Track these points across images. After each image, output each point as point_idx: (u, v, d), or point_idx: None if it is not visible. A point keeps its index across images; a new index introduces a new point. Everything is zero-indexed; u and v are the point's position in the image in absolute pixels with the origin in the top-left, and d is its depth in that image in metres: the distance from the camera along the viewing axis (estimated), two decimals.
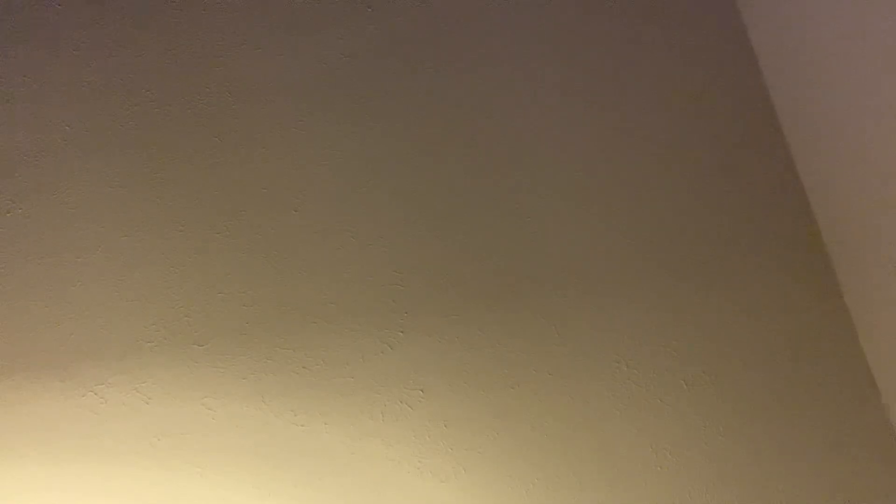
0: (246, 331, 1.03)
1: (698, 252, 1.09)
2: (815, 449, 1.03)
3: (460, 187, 1.11)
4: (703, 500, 1.01)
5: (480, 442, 1.01)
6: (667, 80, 1.17)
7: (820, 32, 1.04)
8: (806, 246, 1.10)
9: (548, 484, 1.00)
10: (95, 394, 1.00)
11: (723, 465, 1.02)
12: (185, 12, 1.17)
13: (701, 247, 1.10)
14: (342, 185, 1.11)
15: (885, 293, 1.01)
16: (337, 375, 1.03)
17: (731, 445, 1.02)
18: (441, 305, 1.06)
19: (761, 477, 1.02)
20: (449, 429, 1.01)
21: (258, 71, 1.15)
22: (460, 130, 1.14)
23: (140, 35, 1.16)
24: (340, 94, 1.15)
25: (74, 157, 1.10)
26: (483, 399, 1.03)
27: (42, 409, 1.00)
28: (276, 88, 1.15)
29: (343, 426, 1.01)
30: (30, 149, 1.10)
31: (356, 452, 1.00)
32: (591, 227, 1.10)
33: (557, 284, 1.08)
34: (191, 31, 1.16)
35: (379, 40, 1.17)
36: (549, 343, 1.05)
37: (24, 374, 1.01)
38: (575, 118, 1.15)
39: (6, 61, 1.13)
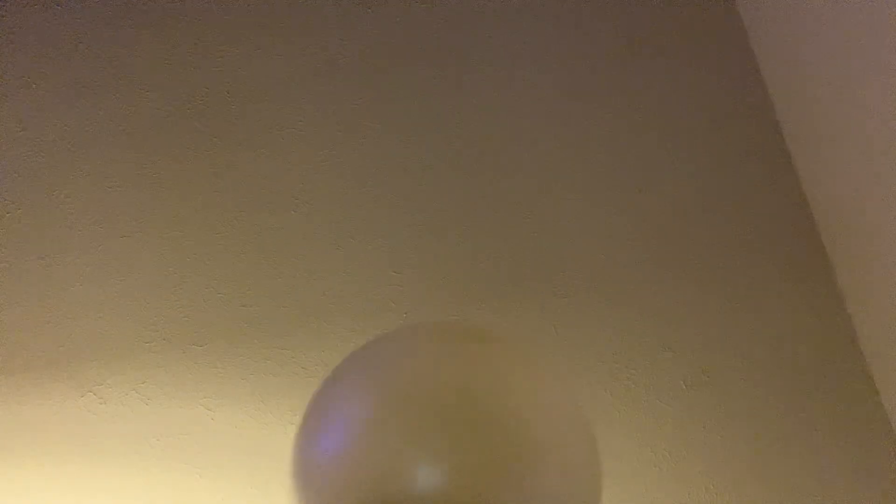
0: (245, 331, 1.03)
1: (697, 253, 1.09)
2: (814, 450, 1.02)
3: (461, 188, 1.11)
4: (702, 500, 1.01)
5: None
6: (665, 81, 1.17)
7: (820, 31, 1.04)
8: (805, 246, 1.10)
9: None
10: (94, 394, 1.01)
11: (721, 466, 1.02)
12: (184, 12, 1.17)
13: (700, 248, 1.10)
14: (342, 185, 1.11)
15: (885, 293, 1.01)
16: None
17: (729, 446, 1.02)
18: (441, 306, 1.06)
19: (760, 478, 1.02)
20: None
21: (258, 71, 1.15)
22: (461, 131, 1.14)
23: (139, 35, 1.16)
24: (340, 94, 1.15)
25: (74, 157, 1.10)
26: None
27: (40, 410, 1.00)
28: (276, 88, 1.15)
29: None
30: (29, 149, 1.10)
31: None
32: (590, 228, 1.10)
33: (557, 285, 1.07)
34: (190, 31, 1.16)
35: (379, 41, 1.17)
36: (548, 343, 1.05)
37: (22, 374, 1.01)
38: (575, 119, 1.15)
39: (5, 61, 1.13)
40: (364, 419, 0.62)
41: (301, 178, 1.11)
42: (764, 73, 1.17)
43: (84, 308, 1.04)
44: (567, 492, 0.62)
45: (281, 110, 1.14)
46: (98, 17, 1.16)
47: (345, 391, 0.66)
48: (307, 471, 0.63)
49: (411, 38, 1.18)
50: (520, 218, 1.10)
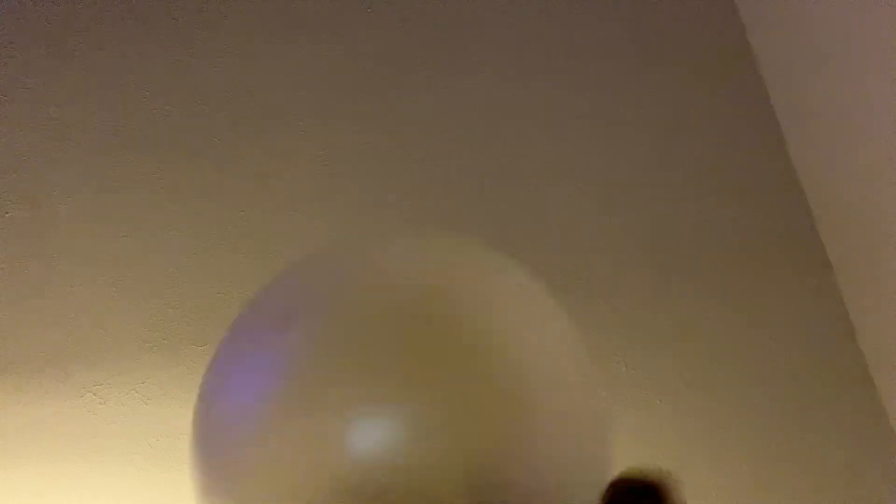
0: None
1: (698, 255, 1.09)
2: (814, 450, 1.03)
3: (461, 189, 1.11)
4: (702, 501, 1.01)
5: None
6: (666, 83, 1.17)
7: (819, 30, 1.03)
8: (805, 247, 1.10)
9: None
10: (94, 394, 1.01)
11: (721, 468, 1.02)
12: (184, 13, 1.17)
13: (700, 250, 1.10)
14: (342, 185, 1.11)
15: (885, 293, 1.00)
16: None
17: (729, 447, 1.02)
18: None
19: (760, 478, 1.02)
20: None
21: (258, 71, 1.15)
22: (461, 132, 1.14)
23: (139, 35, 1.16)
24: (340, 94, 1.15)
25: (74, 157, 1.10)
26: None
27: (40, 410, 1.00)
28: (276, 88, 1.14)
29: None
30: (29, 149, 1.10)
31: None
32: (592, 229, 1.10)
33: (557, 285, 1.07)
34: (190, 31, 1.16)
35: (379, 41, 1.17)
36: None
37: (22, 374, 1.01)
38: (576, 119, 1.15)
39: (5, 61, 1.13)
40: (295, 356, 0.42)
41: (301, 178, 1.11)
42: (763, 72, 1.17)
43: (84, 308, 1.04)
44: (571, 454, 0.44)
45: (281, 110, 1.13)
46: (97, 17, 1.16)
47: (271, 314, 0.44)
48: (212, 437, 0.42)
49: (412, 38, 1.17)
50: (521, 220, 1.10)
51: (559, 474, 0.43)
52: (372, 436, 0.38)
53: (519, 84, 1.16)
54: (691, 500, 1.01)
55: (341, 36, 1.17)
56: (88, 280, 1.05)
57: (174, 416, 1.00)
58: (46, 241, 1.06)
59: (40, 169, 1.09)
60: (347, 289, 0.44)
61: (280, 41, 1.17)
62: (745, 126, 1.15)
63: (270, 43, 1.16)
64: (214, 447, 0.41)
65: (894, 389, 1.02)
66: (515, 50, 1.18)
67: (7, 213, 1.07)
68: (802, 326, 1.07)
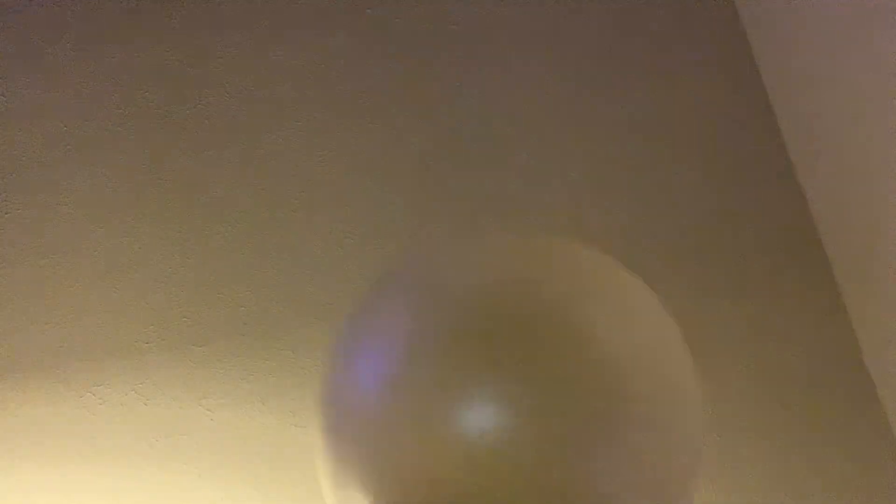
0: (244, 332, 1.03)
1: (695, 254, 1.09)
2: (813, 451, 1.02)
3: (462, 187, 1.11)
4: (701, 501, 1.01)
5: None
6: (665, 82, 1.16)
7: (820, 31, 1.03)
8: (804, 249, 1.10)
9: None
10: (93, 395, 1.01)
11: (720, 469, 1.02)
12: (184, 11, 1.17)
13: (698, 248, 1.09)
14: (342, 184, 1.11)
15: (885, 293, 1.00)
16: None
17: (728, 448, 1.02)
18: None
19: (758, 478, 1.02)
20: None
21: (258, 70, 1.15)
22: (462, 131, 1.14)
23: (139, 35, 1.16)
24: (341, 94, 1.15)
25: (73, 157, 1.10)
26: None
27: (40, 410, 1.00)
28: (276, 88, 1.14)
29: None
30: (29, 149, 1.10)
31: None
32: (591, 231, 1.10)
33: None
34: (190, 30, 1.16)
35: (379, 41, 1.17)
36: None
37: (21, 374, 1.01)
38: (578, 122, 1.15)
39: (5, 61, 1.13)
40: (408, 339, 0.47)
41: (301, 177, 1.10)
42: (763, 72, 1.17)
43: (84, 308, 1.04)
44: (667, 441, 0.46)
45: (281, 110, 1.13)
46: (96, 17, 1.16)
47: (388, 303, 0.51)
48: (340, 407, 0.48)
49: (412, 38, 1.17)
50: (522, 220, 1.10)
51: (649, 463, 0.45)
52: (473, 415, 0.42)
53: (523, 86, 1.16)
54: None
55: (342, 35, 1.17)
56: (88, 280, 1.05)
57: (174, 416, 1.00)
58: (46, 241, 1.06)
59: (40, 169, 1.09)
60: (470, 272, 0.48)
61: (281, 40, 1.17)
62: (744, 126, 1.15)
63: (272, 42, 1.16)
64: (342, 435, 0.46)
65: (895, 390, 1.02)
66: (521, 54, 1.18)
67: (7, 213, 1.07)
68: (802, 327, 1.07)
